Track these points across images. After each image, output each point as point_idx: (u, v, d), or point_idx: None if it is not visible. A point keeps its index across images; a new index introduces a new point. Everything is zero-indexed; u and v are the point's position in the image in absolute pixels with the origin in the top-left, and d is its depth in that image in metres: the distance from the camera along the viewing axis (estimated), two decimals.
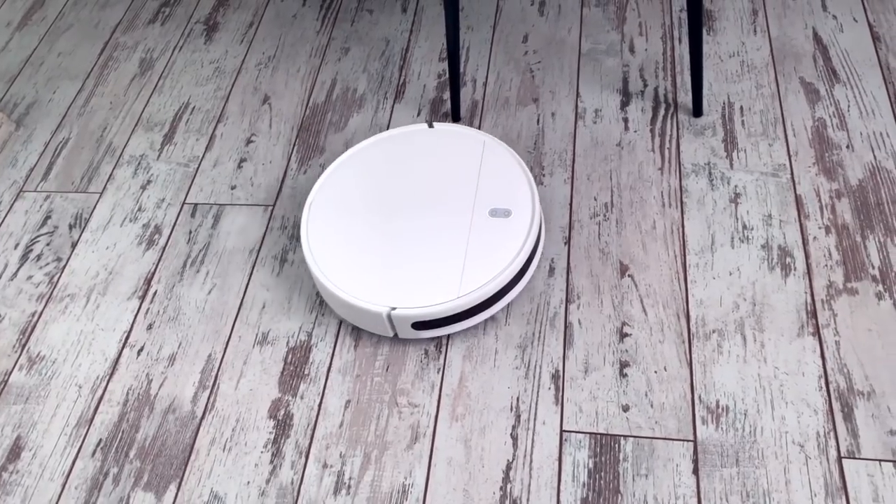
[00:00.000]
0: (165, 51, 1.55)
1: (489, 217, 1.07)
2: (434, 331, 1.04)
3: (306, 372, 1.05)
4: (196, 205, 1.27)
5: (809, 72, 1.27)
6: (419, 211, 1.09)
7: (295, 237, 1.20)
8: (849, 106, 1.21)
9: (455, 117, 1.31)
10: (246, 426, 1.01)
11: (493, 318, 1.07)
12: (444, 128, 1.19)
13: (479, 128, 1.29)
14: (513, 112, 1.31)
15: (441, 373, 1.03)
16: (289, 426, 1.01)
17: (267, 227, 1.22)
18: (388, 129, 1.32)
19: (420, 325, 1.02)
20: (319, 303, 1.12)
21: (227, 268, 1.18)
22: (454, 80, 1.26)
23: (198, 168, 1.33)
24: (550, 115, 1.30)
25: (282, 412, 1.02)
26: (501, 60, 1.39)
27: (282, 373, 1.06)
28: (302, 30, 1.53)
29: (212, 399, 1.04)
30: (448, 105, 1.33)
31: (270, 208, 1.25)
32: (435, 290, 1.01)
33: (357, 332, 1.08)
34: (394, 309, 1.01)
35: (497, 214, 1.07)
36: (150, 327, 1.13)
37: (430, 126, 1.17)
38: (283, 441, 0.99)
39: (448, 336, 1.06)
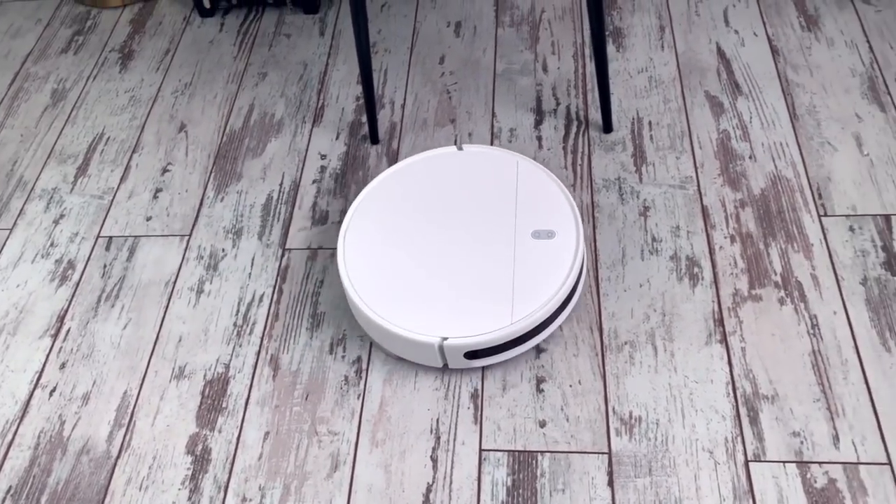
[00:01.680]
0: (79, 80, 1.52)
1: (533, 239, 1.05)
2: (485, 360, 1.01)
3: (224, 405, 1.04)
4: (111, 238, 1.25)
5: (714, 85, 1.31)
6: (460, 236, 1.06)
7: (211, 266, 1.19)
8: (751, 118, 1.26)
9: (373, 140, 1.31)
10: (163, 463, 0.99)
11: None
12: (475, 149, 1.16)
13: (397, 149, 1.30)
14: (431, 133, 1.32)
15: (361, 399, 1.03)
16: (207, 461, 0.99)
17: (183, 258, 1.20)
18: (305, 153, 1.32)
19: (472, 355, 1.00)
20: (237, 334, 1.11)
21: (143, 301, 1.16)
22: (370, 103, 1.27)
23: (112, 200, 1.30)
24: (467, 136, 1.31)
25: (200, 447, 1.00)
26: (419, 82, 1.41)
27: (199, 407, 1.04)
28: (219, 55, 1.52)
29: (127, 437, 1.02)
30: (367, 128, 1.34)
31: (187, 238, 1.23)
32: (486, 317, 0.99)
33: (275, 362, 1.07)
34: (445, 339, 0.98)
35: (540, 236, 1.04)
36: (62, 366, 1.10)
37: (460, 148, 1.15)
38: (201, 477, 0.98)
39: (369, 360, 1.06)
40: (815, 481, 0.90)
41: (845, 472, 0.90)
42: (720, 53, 1.36)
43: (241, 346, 1.10)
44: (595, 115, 1.30)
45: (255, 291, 1.15)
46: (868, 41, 1.34)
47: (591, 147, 1.26)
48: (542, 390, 1.01)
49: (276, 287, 1.16)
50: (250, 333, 1.11)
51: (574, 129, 1.29)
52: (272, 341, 1.10)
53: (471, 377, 1.03)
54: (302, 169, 1.30)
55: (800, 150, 1.21)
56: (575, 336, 1.05)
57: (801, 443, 0.93)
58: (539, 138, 1.29)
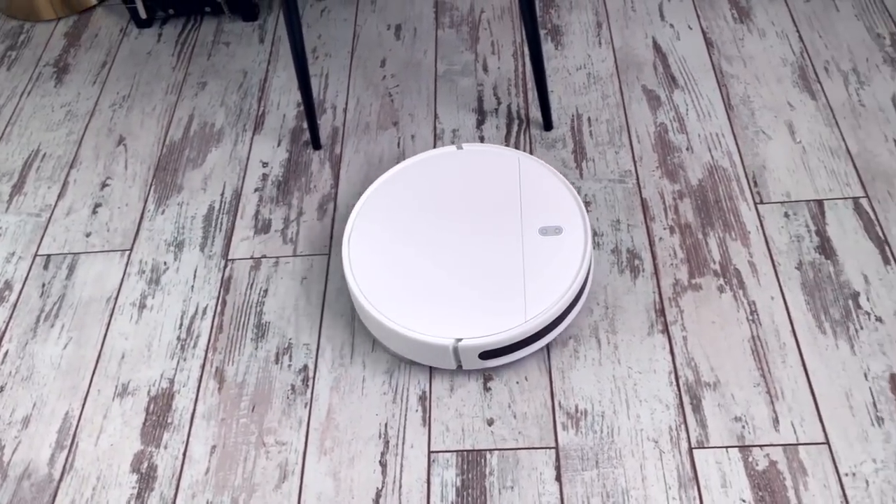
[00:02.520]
0: (12, 97, 1.48)
1: (540, 236, 1.04)
2: (500, 359, 1.00)
3: (169, 420, 1.02)
4: (49, 256, 1.22)
5: (651, 79, 1.33)
6: (467, 236, 1.06)
7: (153, 280, 1.17)
8: (687, 110, 1.28)
9: (315, 145, 1.31)
10: (107, 484, 0.97)
11: (358, 345, 1.07)
12: (475, 148, 1.15)
13: (340, 154, 1.30)
14: (374, 136, 1.32)
15: (308, 407, 1.02)
16: (153, 479, 0.97)
17: (124, 273, 1.18)
18: (247, 162, 1.30)
19: (487, 355, 0.99)
20: (181, 347, 1.09)
21: (84, 319, 1.13)
22: (309, 109, 1.26)
23: (50, 217, 1.27)
24: (410, 138, 1.31)
25: (145, 465, 0.98)
26: (360, 86, 1.40)
27: (144, 424, 1.02)
28: (157, 66, 1.50)
29: (70, 459, 1.00)
30: (308, 133, 1.33)
31: (128, 253, 1.21)
32: (499, 316, 0.98)
33: (220, 375, 1.06)
34: (460, 340, 0.97)
35: (548, 233, 1.04)
36: (0, 390, 1.07)
37: (459, 148, 1.14)
38: (147, 495, 0.96)
39: (315, 368, 1.05)
40: (757, 464, 0.92)
41: (785, 454, 0.92)
42: (656, 48, 1.38)
43: (185, 359, 1.08)
44: (536, 113, 1.31)
45: (199, 304, 1.14)
46: (798, 31, 1.37)
47: (533, 145, 1.27)
48: (490, 389, 1.01)
49: (220, 298, 1.14)
50: (194, 347, 1.09)
51: (515, 127, 1.30)
52: (217, 354, 1.08)
53: (419, 379, 1.03)
54: (243, 178, 1.29)
55: (735, 139, 1.23)
56: None
57: (743, 427, 0.95)
58: (481, 138, 1.29)
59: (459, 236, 1.06)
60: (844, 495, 0.89)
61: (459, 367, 1.01)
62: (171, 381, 1.06)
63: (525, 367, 1.02)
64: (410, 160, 1.16)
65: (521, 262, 1.02)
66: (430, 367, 1.03)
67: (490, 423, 0.98)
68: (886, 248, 1.08)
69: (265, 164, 1.30)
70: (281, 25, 1.54)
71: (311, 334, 1.09)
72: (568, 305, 1.00)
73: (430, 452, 0.97)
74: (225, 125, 1.37)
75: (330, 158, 1.30)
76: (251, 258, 1.18)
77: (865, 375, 0.97)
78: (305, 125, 1.35)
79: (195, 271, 1.18)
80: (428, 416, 1.00)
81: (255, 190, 1.27)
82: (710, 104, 1.28)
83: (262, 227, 1.22)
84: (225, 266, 1.18)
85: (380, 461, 0.96)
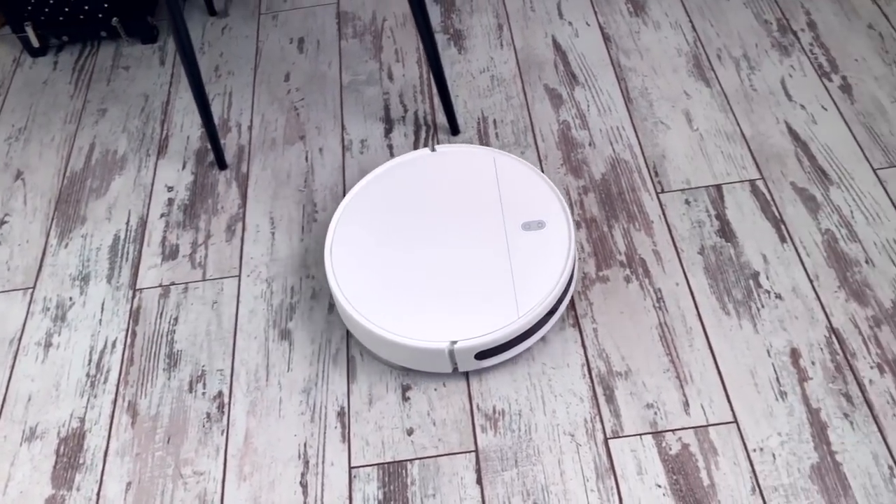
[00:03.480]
0: None
1: (523, 231, 1.03)
2: (495, 358, 0.99)
3: (81, 461, 0.99)
4: None
5: (552, 78, 1.35)
6: (450, 237, 1.04)
7: (59, 317, 1.13)
8: (588, 106, 1.30)
9: (220, 166, 1.28)
10: None
11: (273, 365, 1.05)
12: (449, 149, 1.14)
13: (247, 172, 1.28)
14: (281, 152, 1.31)
15: (225, 434, 1.00)
16: None
17: (28, 312, 1.14)
18: (151, 187, 1.27)
19: (483, 355, 0.98)
20: (90, 384, 1.06)
21: None
22: (210, 129, 1.24)
23: None
24: (318, 151, 1.30)
25: None
26: (265, 101, 1.39)
27: (55, 467, 0.99)
28: (54, 95, 1.45)
29: None
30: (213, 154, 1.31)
31: (31, 291, 1.17)
32: (492, 315, 0.97)
33: (133, 408, 1.03)
34: (455, 343, 0.96)
35: (531, 227, 1.03)
36: None
37: (433, 150, 1.12)
38: None
39: (230, 394, 1.03)
40: (670, 449, 0.94)
41: (696, 436, 0.95)
42: (556, 46, 1.40)
43: (95, 396, 1.05)
44: (443, 118, 1.32)
45: (108, 338, 1.11)
46: (691, 21, 1.41)
47: None
48: (409, 398, 1.01)
49: (129, 330, 1.11)
50: (105, 382, 1.06)
51: (423, 134, 1.30)
52: (128, 387, 1.05)
53: (336, 395, 1.02)
54: (149, 204, 1.26)
55: (635, 131, 1.26)
56: None
57: (655, 413, 0.97)
58: (390, 147, 1.29)
59: (443, 238, 1.05)
60: (753, 470, 0.91)
61: (455, 369, 1.00)
62: (82, 420, 1.03)
63: (442, 374, 1.03)
64: (384, 166, 1.14)
65: (508, 258, 1.02)
66: (348, 384, 1.03)
67: (410, 432, 0.98)
68: (782, 227, 1.12)
69: (170, 189, 1.27)
70: None
71: (225, 359, 1.07)
72: (559, 297, 1.00)
73: (350, 468, 0.96)
74: (128, 151, 1.34)
75: (236, 178, 1.28)
76: (160, 286, 1.15)
77: (768, 352, 1.01)
78: (210, 146, 1.32)
79: (103, 304, 1.14)
80: (347, 431, 0.99)
81: (161, 216, 1.24)
82: (610, 98, 1.31)
83: (170, 254, 1.19)
84: (133, 296, 1.15)
85: (300, 482, 0.95)
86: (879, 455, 0.91)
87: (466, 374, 1.02)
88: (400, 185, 1.11)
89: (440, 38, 1.44)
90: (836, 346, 1.00)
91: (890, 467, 0.90)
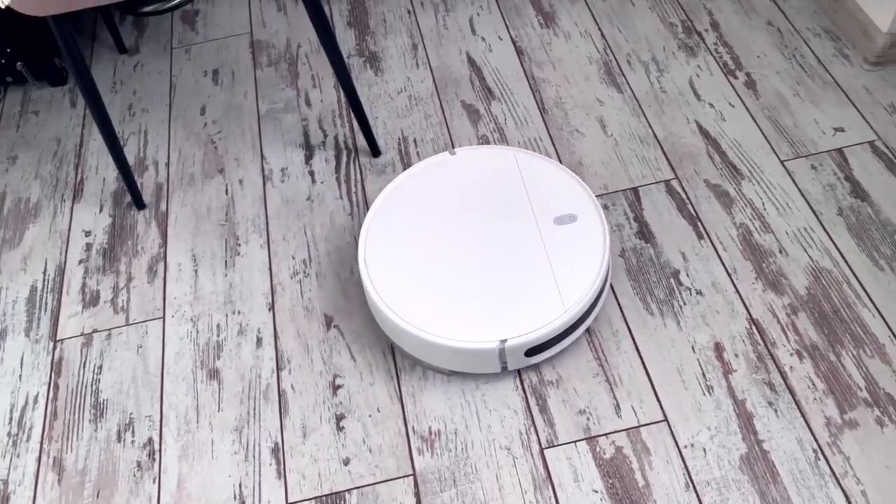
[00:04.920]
0: None
1: (556, 226, 1.03)
2: (545, 353, 0.99)
3: None
4: None
5: (469, 94, 1.37)
6: (484, 237, 1.04)
7: None
8: (505, 119, 1.32)
9: (138, 205, 1.26)
10: None
11: (203, 407, 1.03)
12: (469, 151, 1.14)
13: (166, 211, 1.25)
14: (200, 187, 1.28)
15: (157, 482, 0.97)
16: None
17: None
18: (68, 233, 1.24)
19: (533, 351, 0.97)
20: (12, 444, 1.02)
21: None
22: (124, 170, 1.21)
23: None
24: (238, 183, 1.28)
25: None
26: (181, 136, 1.36)
27: None
28: None
29: None
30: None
31: None
32: (538, 310, 0.97)
33: (59, 465, 0.99)
34: (505, 341, 0.95)
35: (563, 221, 1.03)
36: None
37: (452, 153, 1.11)
38: None
39: (161, 439, 1.01)
40: (605, 453, 0.95)
41: (629, 438, 0.96)
42: (471, 62, 1.42)
43: (18, 456, 1.01)
44: (363, 141, 1.32)
45: (28, 393, 1.07)
46: (600, 29, 1.44)
47: (364, 173, 1.27)
48: (343, 427, 1.00)
49: (52, 383, 1.07)
50: (28, 440, 1.02)
51: (345, 158, 1.30)
52: (53, 443, 1.02)
53: (269, 431, 1.00)
54: (66, 251, 1.22)
55: (552, 141, 1.28)
56: (370, 364, 1.05)
57: (588, 419, 0.98)
58: (311, 173, 1.28)
59: (477, 238, 1.05)
60: (686, 467, 0.93)
61: (504, 367, 1.00)
62: (5, 482, 0.99)
63: (377, 399, 1.02)
64: (405, 174, 1.13)
65: (545, 254, 1.02)
66: (280, 419, 1.01)
67: (346, 462, 0.97)
68: (698, 224, 1.15)
69: (88, 233, 1.24)
70: None
71: (153, 404, 1.04)
72: (601, 287, 1.01)
73: None
74: (41, 198, 1.30)
75: (156, 216, 1.25)
76: (82, 335, 1.12)
77: (693, 348, 1.03)
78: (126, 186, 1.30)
79: (22, 359, 1.10)
80: (283, 467, 0.97)
81: (80, 262, 1.20)
82: (526, 110, 1.33)
83: (91, 300, 1.16)
84: (54, 348, 1.11)
85: None
86: (804, 440, 0.94)
87: (401, 398, 1.02)
88: (425, 191, 1.11)
89: (356, 62, 1.45)
90: (757, 336, 1.03)
91: (815, 451, 0.93)
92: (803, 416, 0.96)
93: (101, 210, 1.27)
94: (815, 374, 0.99)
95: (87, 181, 1.32)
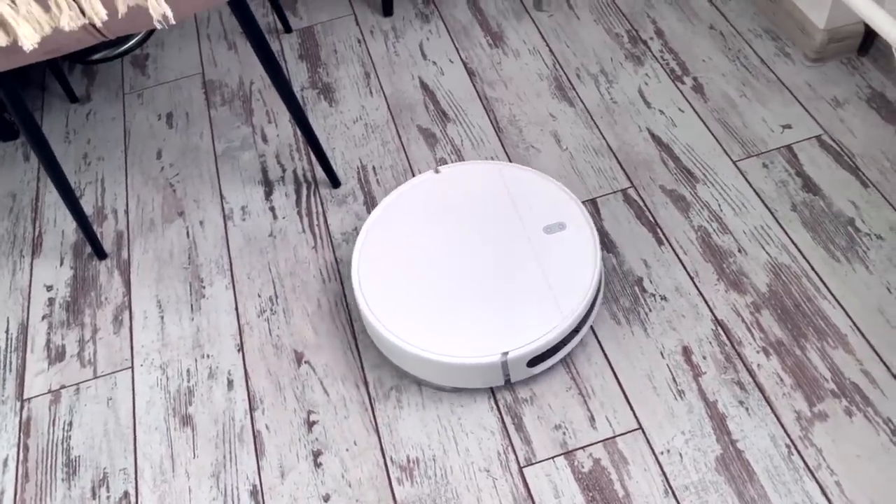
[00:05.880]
0: None
1: (546, 234, 1.04)
2: (546, 363, 1.00)
3: None
4: None
5: (424, 118, 1.38)
6: (476, 251, 1.05)
7: None
8: (462, 140, 1.33)
9: (99, 256, 1.25)
10: None
11: (178, 455, 1.02)
12: (452, 169, 1.15)
13: (128, 258, 1.24)
14: (160, 232, 1.28)
15: None
16: None
17: None
18: (29, 290, 1.22)
19: (534, 361, 0.98)
20: None
21: None
22: (81, 220, 1.20)
23: None
24: (199, 224, 1.28)
25: None
26: (139, 182, 1.36)
27: None
28: None
29: None
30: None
31: None
32: (536, 320, 0.98)
33: None
34: (507, 353, 0.95)
35: (553, 230, 1.04)
36: None
37: (437, 171, 1.12)
38: None
39: (136, 492, 0.99)
40: (583, 466, 0.95)
41: (606, 449, 0.96)
42: (423, 87, 1.43)
43: None
44: (322, 173, 1.32)
45: None
46: (548, 45, 1.46)
47: (325, 205, 1.28)
48: (321, 464, 0.99)
49: (21, 445, 1.05)
50: None
51: (305, 191, 1.30)
52: None
53: (246, 474, 0.99)
54: (28, 308, 1.20)
55: (509, 158, 1.29)
56: (343, 398, 1.05)
57: (564, 433, 0.98)
58: (272, 209, 1.28)
59: (469, 253, 1.06)
60: (663, 473, 0.94)
61: (508, 380, 1.01)
62: None
63: (353, 433, 1.01)
64: (391, 196, 1.14)
65: (538, 263, 1.03)
66: (257, 460, 1.00)
67: (326, 499, 0.96)
68: (658, 231, 1.17)
69: (49, 288, 1.23)
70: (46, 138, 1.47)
71: (127, 457, 1.03)
72: (595, 292, 1.02)
73: None
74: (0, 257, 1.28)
75: (118, 265, 1.24)
76: (49, 392, 1.10)
77: (662, 354, 1.04)
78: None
79: None
80: None
81: (43, 317, 1.19)
82: (482, 131, 1.34)
83: (57, 356, 1.14)
84: (21, 408, 1.09)
85: None
86: (776, 436, 0.95)
87: (377, 429, 1.01)
88: (412, 212, 1.12)
89: (310, 94, 1.45)
90: (723, 336, 1.05)
91: (787, 446, 0.94)
92: (774, 412, 0.97)
93: (61, 263, 1.26)
94: (783, 369, 1.00)
95: (45, 235, 1.30)
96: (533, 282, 1.02)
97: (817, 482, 0.91)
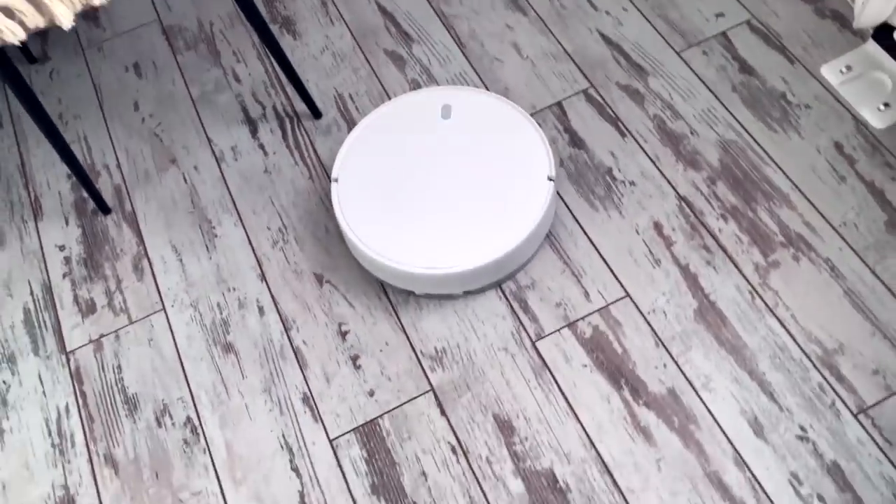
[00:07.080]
0: None
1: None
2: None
3: None
4: None
5: (388, 42, 1.45)
6: (448, 174, 1.19)
7: (1, 404, 1.14)
8: (429, 60, 1.42)
9: (104, 210, 1.30)
10: None
11: (228, 378, 1.13)
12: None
13: (133, 210, 1.30)
14: (158, 181, 1.34)
15: (208, 452, 1.08)
16: None
17: None
18: (42, 252, 1.27)
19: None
20: (60, 452, 1.10)
21: None
22: (82, 178, 1.25)
23: None
24: (194, 169, 1.34)
25: None
26: (123, 136, 1.40)
27: None
28: None
29: None
30: (92, 201, 1.32)
31: None
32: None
33: (111, 460, 1.08)
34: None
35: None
36: None
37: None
38: None
39: (198, 415, 1.11)
40: (585, 333, 1.12)
41: (602, 317, 1.13)
42: (382, 10, 1.49)
43: (69, 462, 1.09)
44: (302, 105, 1.39)
45: (58, 406, 1.14)
46: None
47: (311, 136, 1.36)
48: (360, 366, 1.13)
49: (77, 392, 1.15)
50: (73, 446, 1.11)
51: (289, 126, 1.37)
52: (98, 443, 1.10)
53: (295, 385, 1.12)
54: (46, 269, 1.26)
55: (476, 73, 1.39)
56: (367, 306, 1.18)
57: (565, 309, 1.14)
58: (262, 146, 1.35)
59: (443, 176, 1.18)
60: (653, 329, 1.12)
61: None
62: (66, 487, 1.07)
63: (383, 335, 1.15)
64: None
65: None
66: (302, 372, 1.13)
67: (371, 394, 1.11)
68: (619, 124, 1.31)
69: (62, 248, 1.28)
70: (13, 102, 1.47)
71: (181, 388, 1.14)
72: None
73: (330, 441, 1.08)
74: (2, 224, 1.32)
75: (125, 218, 1.30)
76: (90, 342, 1.19)
77: (637, 231, 1.20)
78: (87, 193, 1.33)
79: (40, 377, 1.17)
80: (317, 412, 1.10)
81: (64, 276, 1.25)
82: (446, 48, 1.42)
83: (88, 309, 1.22)
84: (68, 360, 1.18)
85: (291, 468, 1.06)
86: (740, 286, 1.14)
87: (404, 330, 1.15)
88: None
89: (272, 29, 1.49)
90: (687, 209, 1.21)
91: (750, 292, 1.13)
92: (736, 266, 1.15)
93: (66, 223, 1.31)
94: (739, 230, 1.18)
95: (42, 198, 1.34)
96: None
97: (777, 318, 1.11)
